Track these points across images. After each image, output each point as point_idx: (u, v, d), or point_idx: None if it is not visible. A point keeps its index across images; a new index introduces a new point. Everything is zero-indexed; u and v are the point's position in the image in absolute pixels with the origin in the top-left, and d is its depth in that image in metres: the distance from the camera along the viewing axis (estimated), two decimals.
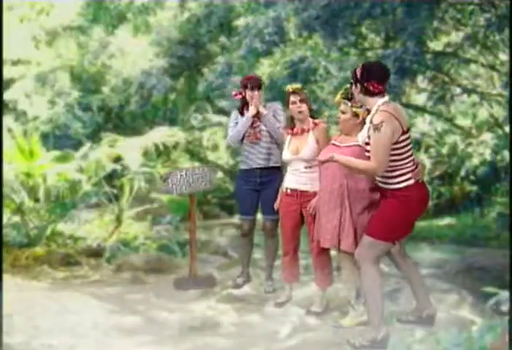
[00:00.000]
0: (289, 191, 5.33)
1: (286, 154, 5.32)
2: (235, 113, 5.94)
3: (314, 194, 5.12)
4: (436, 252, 9.21)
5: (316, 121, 5.35)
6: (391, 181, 4.36)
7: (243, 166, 5.85)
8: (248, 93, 5.76)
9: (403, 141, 4.27)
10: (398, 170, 4.34)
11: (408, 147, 4.33)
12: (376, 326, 4.40)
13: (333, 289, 5.45)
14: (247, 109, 5.82)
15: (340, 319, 4.97)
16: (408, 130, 4.34)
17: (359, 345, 4.39)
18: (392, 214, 4.38)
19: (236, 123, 5.85)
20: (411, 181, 4.34)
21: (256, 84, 5.76)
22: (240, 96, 5.87)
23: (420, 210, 4.45)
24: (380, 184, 4.46)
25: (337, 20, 9.23)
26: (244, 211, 5.89)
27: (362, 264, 4.41)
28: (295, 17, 9.83)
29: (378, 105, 4.29)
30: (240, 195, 5.88)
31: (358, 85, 4.33)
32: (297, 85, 5.40)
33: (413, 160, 4.40)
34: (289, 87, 5.36)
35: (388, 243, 4.43)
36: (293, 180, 5.30)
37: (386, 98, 4.32)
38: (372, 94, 4.29)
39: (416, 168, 4.40)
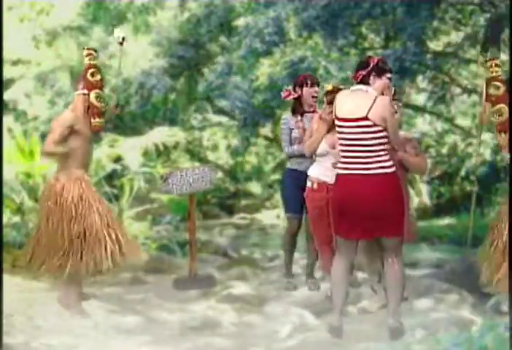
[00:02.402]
0: (315, 185, 5.28)
1: (324, 146, 5.20)
2: (288, 117, 5.78)
3: None
4: (436, 252, 9.22)
5: None
6: None
7: (295, 167, 5.74)
8: (308, 91, 5.65)
9: (338, 127, 4.39)
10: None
11: (340, 136, 4.39)
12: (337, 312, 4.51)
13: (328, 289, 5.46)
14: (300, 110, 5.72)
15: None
16: (341, 119, 4.36)
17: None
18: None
19: (291, 129, 5.70)
20: (338, 172, 4.44)
21: (315, 80, 5.68)
22: (292, 96, 5.72)
23: (338, 204, 4.42)
24: None
25: (337, 20, 9.25)
26: (293, 208, 5.78)
27: None
28: (295, 17, 9.84)
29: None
30: (289, 192, 5.77)
31: (383, 77, 4.41)
32: (328, 86, 5.24)
33: (347, 150, 4.37)
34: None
35: (341, 238, 4.48)
36: (322, 173, 5.24)
37: (354, 87, 4.46)
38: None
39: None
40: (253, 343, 4.58)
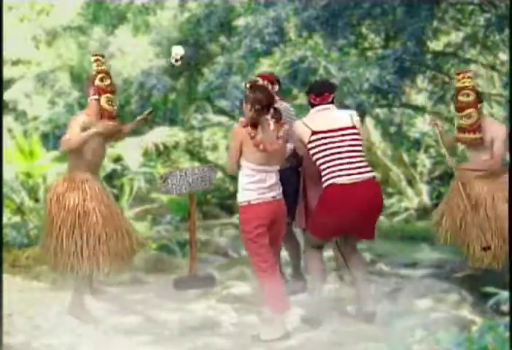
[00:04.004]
0: None
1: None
2: None
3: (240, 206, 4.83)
4: (436, 252, 9.21)
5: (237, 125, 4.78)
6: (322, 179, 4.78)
7: None
8: None
9: (315, 141, 4.72)
10: (322, 170, 4.73)
11: (323, 147, 4.71)
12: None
13: (331, 289, 5.46)
14: None
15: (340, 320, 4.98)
16: (324, 131, 4.71)
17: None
18: (316, 211, 4.85)
19: None
20: (330, 182, 4.69)
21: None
22: None
23: (341, 213, 4.67)
24: None
25: (337, 20, 9.25)
26: None
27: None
28: (295, 17, 9.83)
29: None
30: None
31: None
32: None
33: (338, 161, 4.67)
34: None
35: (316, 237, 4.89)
36: None
37: (323, 106, 4.84)
38: (312, 105, 4.88)
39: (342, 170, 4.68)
40: (253, 343, 4.58)
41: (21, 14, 13.07)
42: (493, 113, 12.38)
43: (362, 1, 9.18)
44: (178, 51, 5.28)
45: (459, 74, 5.36)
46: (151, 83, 12.29)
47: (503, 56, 10.65)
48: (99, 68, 5.09)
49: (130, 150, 10.69)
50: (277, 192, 4.74)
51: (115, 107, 5.08)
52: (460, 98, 5.29)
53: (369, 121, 13.04)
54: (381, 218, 13.13)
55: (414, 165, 14.91)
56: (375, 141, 13.68)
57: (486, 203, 5.27)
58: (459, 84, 5.33)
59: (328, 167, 4.68)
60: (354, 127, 4.76)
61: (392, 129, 12.64)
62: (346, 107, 8.71)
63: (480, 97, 5.37)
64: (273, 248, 4.79)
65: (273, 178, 4.72)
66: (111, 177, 10.39)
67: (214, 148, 16.83)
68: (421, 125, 14.50)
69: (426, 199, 14.42)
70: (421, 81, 11.00)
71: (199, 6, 12.66)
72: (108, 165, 9.73)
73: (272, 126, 4.65)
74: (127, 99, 12.84)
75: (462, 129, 5.33)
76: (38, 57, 13.06)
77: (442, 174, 14.42)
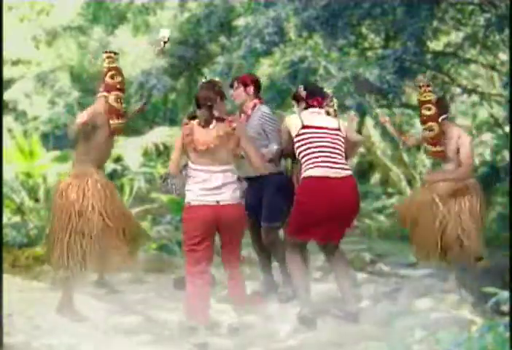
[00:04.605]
0: None
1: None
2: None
3: None
4: None
5: None
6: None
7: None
8: None
9: (303, 134, 4.85)
10: (302, 163, 4.82)
11: (307, 140, 4.84)
12: (303, 302, 4.86)
13: (328, 289, 5.47)
14: None
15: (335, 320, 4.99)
16: (313, 127, 4.86)
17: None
18: (293, 206, 4.89)
19: None
20: (306, 173, 4.78)
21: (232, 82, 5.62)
22: None
23: (314, 206, 4.71)
24: None
25: (337, 20, 9.25)
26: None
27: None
28: (295, 17, 9.82)
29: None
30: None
31: (302, 103, 5.06)
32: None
33: (318, 154, 4.79)
34: None
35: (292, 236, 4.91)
36: None
37: (318, 109, 4.98)
38: (309, 107, 5.00)
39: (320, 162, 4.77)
40: (253, 343, 4.58)
41: (21, 14, 13.08)
42: (493, 113, 12.39)
43: (362, 1, 9.18)
44: (165, 34, 5.24)
45: (421, 87, 5.46)
46: (151, 83, 12.29)
47: (503, 56, 10.64)
48: (110, 65, 5.05)
49: (130, 150, 10.69)
50: (224, 197, 4.58)
51: (123, 105, 5.06)
52: (423, 111, 5.42)
53: (369, 121, 13.04)
54: (381, 218, 13.21)
55: (414, 165, 14.91)
56: (375, 141, 13.68)
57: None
58: (422, 98, 5.45)
59: (308, 159, 4.78)
60: (339, 130, 4.93)
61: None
62: (346, 107, 8.73)
63: (443, 109, 5.47)
64: (229, 253, 4.85)
65: (219, 179, 4.58)
66: (111, 177, 10.34)
67: None
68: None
69: None
70: None
71: (199, 6, 12.66)
72: (108, 165, 9.71)
73: (213, 124, 4.64)
74: (127, 99, 12.84)
75: (425, 140, 5.45)
76: (38, 57, 13.06)
77: None
